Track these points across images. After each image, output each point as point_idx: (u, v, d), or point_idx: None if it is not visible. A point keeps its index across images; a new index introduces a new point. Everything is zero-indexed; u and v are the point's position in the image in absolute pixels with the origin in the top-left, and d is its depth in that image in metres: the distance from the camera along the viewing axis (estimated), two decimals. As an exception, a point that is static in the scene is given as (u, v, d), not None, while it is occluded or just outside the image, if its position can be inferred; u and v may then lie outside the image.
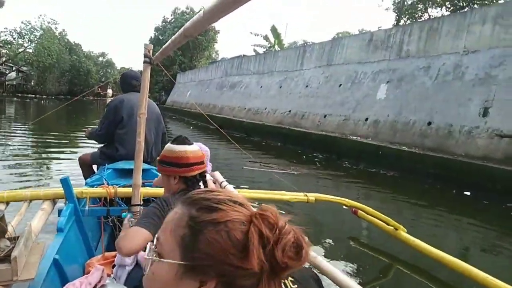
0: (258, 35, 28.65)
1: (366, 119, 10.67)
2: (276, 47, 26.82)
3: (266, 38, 28.30)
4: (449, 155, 7.77)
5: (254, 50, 28.99)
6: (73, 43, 54.59)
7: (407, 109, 9.58)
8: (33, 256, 1.41)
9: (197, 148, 1.64)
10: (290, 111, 14.47)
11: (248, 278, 0.55)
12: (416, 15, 16.93)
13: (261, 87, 18.09)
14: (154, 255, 0.61)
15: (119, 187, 2.48)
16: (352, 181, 8.00)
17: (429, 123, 8.75)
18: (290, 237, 0.56)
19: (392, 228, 3.31)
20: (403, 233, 3.29)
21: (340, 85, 12.59)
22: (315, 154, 11.04)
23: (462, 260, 2.82)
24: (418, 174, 7.96)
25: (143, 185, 2.42)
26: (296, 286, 0.74)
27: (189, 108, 25.91)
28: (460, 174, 7.23)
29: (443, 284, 3.23)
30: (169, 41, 1.48)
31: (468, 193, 6.86)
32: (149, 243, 0.67)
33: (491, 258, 4.20)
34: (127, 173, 2.79)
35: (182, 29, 1.18)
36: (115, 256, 1.87)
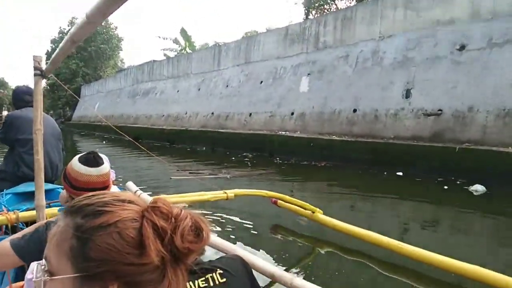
0: (166, 38, 27.46)
1: (292, 113, 10.56)
2: (188, 49, 25.93)
3: (176, 41, 27.20)
4: (379, 139, 7.88)
5: (165, 55, 27.67)
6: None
7: (331, 99, 9.61)
8: None
9: (99, 173, 1.44)
10: (213, 113, 13.91)
11: (150, 272, 0.53)
12: (324, 8, 17.51)
13: (178, 91, 17.25)
14: (45, 275, 0.54)
15: (21, 211, 2.30)
16: (285, 176, 7.74)
17: (355, 110, 8.84)
18: (187, 222, 0.55)
19: (310, 212, 3.51)
20: (320, 215, 3.47)
21: (262, 82, 12.36)
22: (244, 154, 10.65)
23: (398, 239, 2.89)
24: (350, 161, 7.97)
25: (49, 206, 2.31)
26: (224, 279, 0.74)
27: (99, 122, 23.97)
28: (391, 156, 7.33)
29: (361, 256, 3.27)
30: (57, 50, 1.43)
31: (401, 174, 6.97)
32: (35, 264, 0.56)
33: (428, 232, 4.32)
34: (30, 196, 2.59)
35: (68, 34, 1.18)
36: (23, 287, 1.66)
